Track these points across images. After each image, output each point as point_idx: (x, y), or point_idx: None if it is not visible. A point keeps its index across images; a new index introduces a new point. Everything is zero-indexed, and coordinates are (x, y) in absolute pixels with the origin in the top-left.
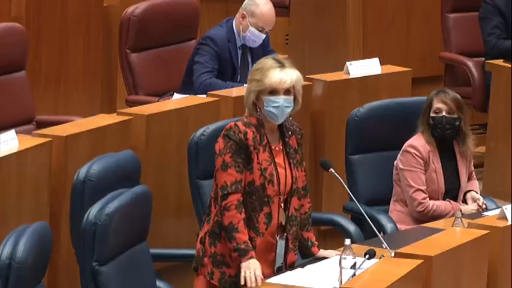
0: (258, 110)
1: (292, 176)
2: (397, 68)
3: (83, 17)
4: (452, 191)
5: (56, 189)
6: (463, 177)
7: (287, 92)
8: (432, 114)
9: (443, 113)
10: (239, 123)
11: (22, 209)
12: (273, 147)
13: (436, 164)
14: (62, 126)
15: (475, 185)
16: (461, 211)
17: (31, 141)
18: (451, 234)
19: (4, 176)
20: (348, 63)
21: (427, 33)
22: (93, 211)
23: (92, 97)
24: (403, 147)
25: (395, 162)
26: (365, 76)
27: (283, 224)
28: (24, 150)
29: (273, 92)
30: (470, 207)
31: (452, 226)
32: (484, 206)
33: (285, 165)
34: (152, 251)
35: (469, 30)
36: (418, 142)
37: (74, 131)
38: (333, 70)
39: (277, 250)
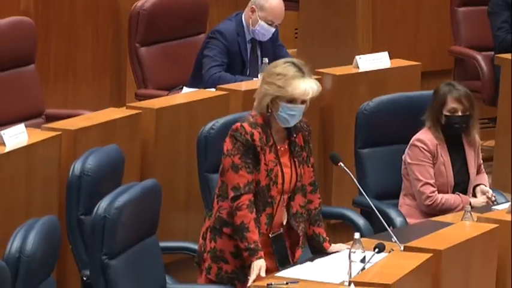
0: (269, 111)
1: (296, 174)
2: (406, 62)
3: (92, 11)
4: (462, 184)
5: (65, 183)
6: (472, 170)
7: (304, 101)
8: (446, 113)
9: (459, 113)
10: (245, 124)
11: (31, 203)
12: (278, 147)
13: (445, 157)
14: (71, 120)
15: (484, 178)
16: (470, 204)
17: (40, 135)
18: (460, 228)
19: (13, 170)
20: (357, 57)
21: (436, 27)
22: (102, 205)
23: (101, 91)
24: (411, 141)
25: (403, 157)
26: (374, 70)
27: (288, 221)
28: (33, 144)
29: (292, 100)
30: (479, 200)
31: (461, 220)
32: (493, 199)
33: (290, 164)
34: (161, 244)
35: (479, 24)
36: (425, 136)
37: (83, 124)
38: (342, 64)
39: (274, 247)
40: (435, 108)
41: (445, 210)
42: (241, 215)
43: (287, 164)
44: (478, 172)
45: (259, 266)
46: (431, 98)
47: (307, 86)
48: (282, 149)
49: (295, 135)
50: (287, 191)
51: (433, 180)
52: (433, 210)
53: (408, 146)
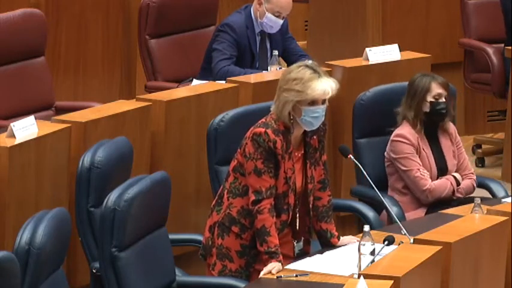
0: (292, 118)
1: (307, 177)
2: (416, 54)
3: (102, 3)
4: (442, 174)
5: (75, 175)
6: (450, 159)
7: (324, 101)
8: (431, 100)
9: (443, 99)
10: (269, 131)
11: (41, 195)
12: (295, 153)
13: (426, 150)
14: (81, 112)
15: (468, 167)
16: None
17: (50, 127)
18: (470, 221)
19: (23, 162)
20: (367, 49)
21: (446, 19)
22: (112, 197)
23: (111, 83)
24: (391, 137)
25: (385, 154)
26: (384, 62)
27: (298, 228)
28: (43, 136)
29: (313, 102)
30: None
31: (471, 212)
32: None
33: (302, 169)
34: (171, 236)
35: (489, 16)
36: (405, 130)
37: (93, 117)
38: (352, 56)
39: (295, 252)
40: (417, 97)
41: (440, 194)
42: (262, 218)
43: (300, 170)
44: (460, 160)
45: (275, 265)
46: (408, 91)
47: (326, 85)
48: (299, 155)
49: (311, 137)
50: (299, 194)
51: (423, 168)
52: (431, 196)
53: (389, 143)
